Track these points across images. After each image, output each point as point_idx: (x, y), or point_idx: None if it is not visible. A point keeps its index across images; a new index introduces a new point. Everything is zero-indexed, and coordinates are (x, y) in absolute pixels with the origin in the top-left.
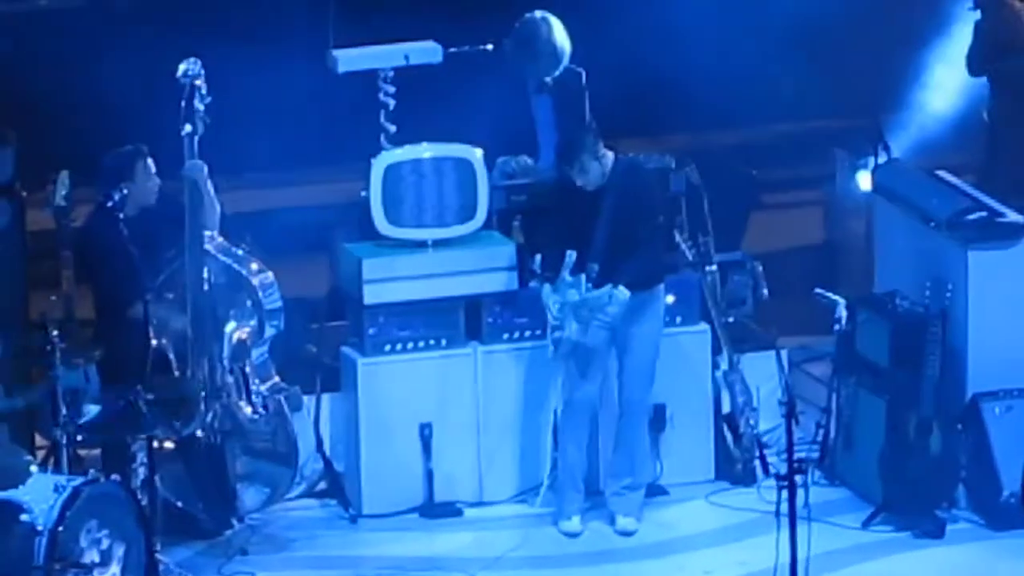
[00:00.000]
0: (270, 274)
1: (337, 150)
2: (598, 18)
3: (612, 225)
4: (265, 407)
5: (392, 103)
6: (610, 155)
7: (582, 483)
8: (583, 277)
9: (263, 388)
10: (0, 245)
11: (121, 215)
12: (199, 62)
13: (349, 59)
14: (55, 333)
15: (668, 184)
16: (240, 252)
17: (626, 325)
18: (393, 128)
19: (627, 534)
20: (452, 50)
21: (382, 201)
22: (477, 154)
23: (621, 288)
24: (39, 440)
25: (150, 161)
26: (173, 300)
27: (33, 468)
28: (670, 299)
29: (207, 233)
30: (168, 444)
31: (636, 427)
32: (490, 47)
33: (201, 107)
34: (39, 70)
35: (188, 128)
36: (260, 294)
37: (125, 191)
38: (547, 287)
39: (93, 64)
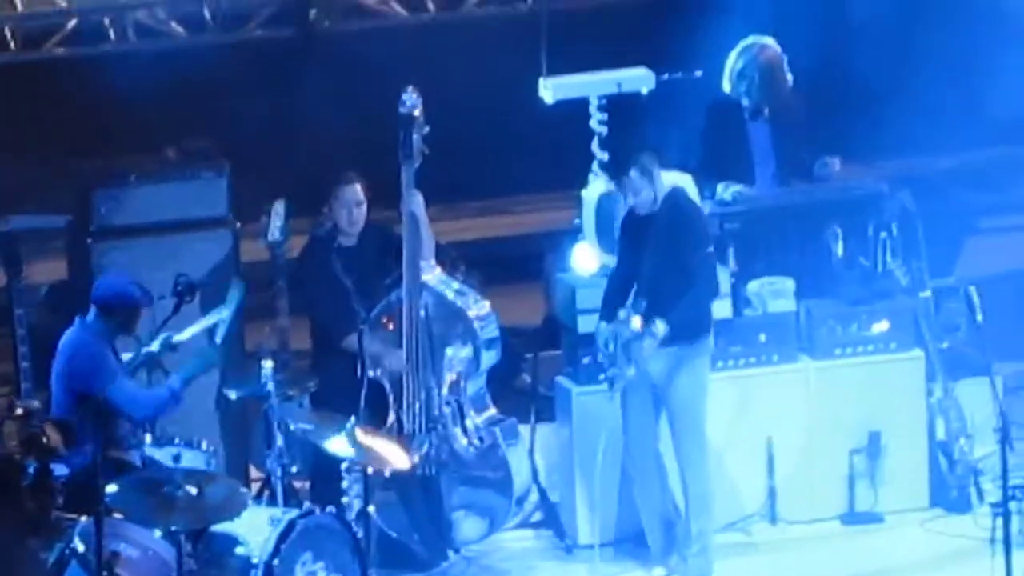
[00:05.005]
0: (487, 304)
1: (549, 178)
2: (812, 42)
3: (660, 257)
4: (481, 439)
5: (604, 131)
6: (667, 183)
7: (660, 531)
8: (631, 311)
9: (479, 420)
10: (216, 276)
11: (335, 244)
12: (417, 93)
13: (561, 87)
14: (269, 365)
15: (883, 209)
16: (456, 282)
17: (662, 380)
18: (605, 156)
19: None
20: (664, 77)
21: (596, 230)
22: (689, 181)
23: (658, 322)
24: (254, 472)
25: (354, 188)
26: (389, 331)
27: (248, 501)
28: (884, 325)
29: (424, 263)
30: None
31: (685, 488)
32: (699, 73)
33: (419, 137)
34: (253, 100)
35: (406, 159)
36: (476, 324)
37: (331, 222)
38: (602, 323)
39: (306, 95)
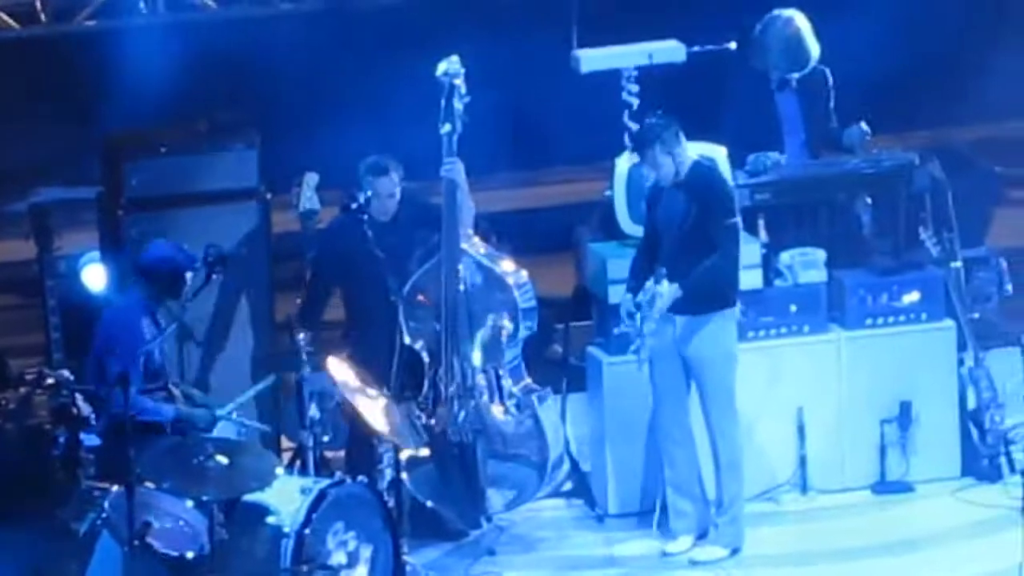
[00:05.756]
0: (524, 273)
1: (581, 150)
2: (840, 15)
3: (683, 226)
4: (518, 406)
5: (636, 102)
6: (689, 156)
7: (685, 502)
8: (653, 280)
9: (515, 389)
10: (246, 248)
11: (366, 216)
12: (459, 61)
13: (593, 59)
14: (301, 335)
15: (912, 180)
16: (493, 251)
17: (690, 350)
18: (637, 128)
19: (694, 562)
20: (695, 49)
21: (626, 200)
22: (721, 153)
23: (664, 283)
24: (285, 442)
25: (387, 179)
26: (425, 301)
27: (279, 470)
28: (915, 295)
29: (462, 231)
30: (423, 452)
31: (716, 455)
32: (733, 45)
33: (460, 106)
34: (283, 72)
35: (447, 127)
36: (516, 293)
37: (369, 193)
38: (627, 296)
39: (337, 65)
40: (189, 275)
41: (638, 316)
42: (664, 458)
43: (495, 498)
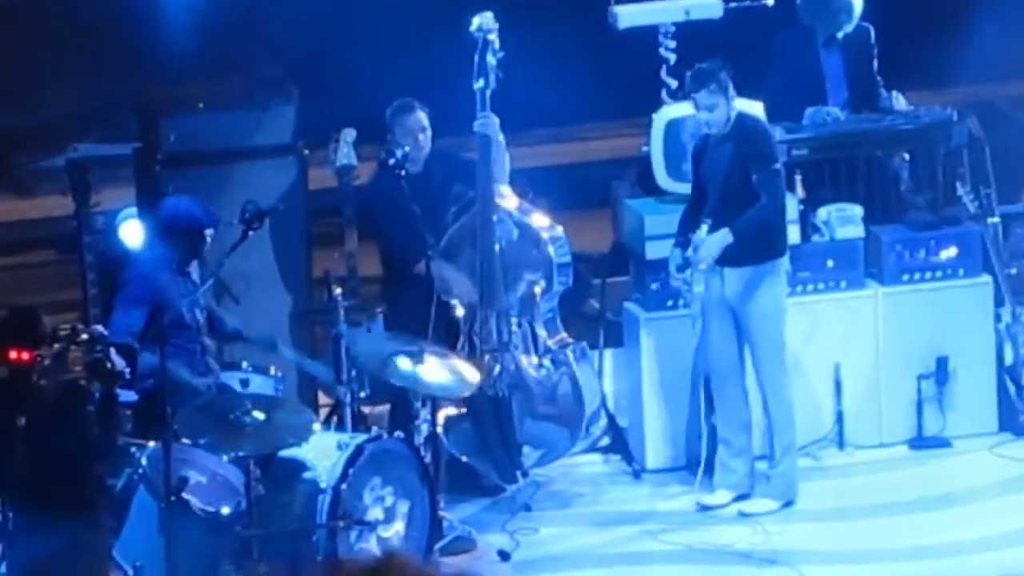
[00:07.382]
0: (559, 228)
1: (618, 105)
2: None
3: (727, 176)
4: (554, 361)
5: (673, 58)
6: (736, 107)
7: (735, 460)
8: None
9: (551, 343)
10: (283, 203)
11: (403, 172)
12: (493, 16)
13: (630, 15)
14: (338, 291)
15: (950, 136)
16: (528, 206)
17: (741, 303)
18: (674, 83)
19: (744, 514)
20: (732, 4)
21: (663, 156)
22: (758, 108)
23: (701, 230)
24: (322, 398)
25: (416, 115)
26: (460, 256)
27: (316, 426)
28: (952, 251)
29: (497, 186)
30: (452, 411)
31: (767, 407)
32: (770, 1)
33: (494, 61)
34: (321, 28)
35: (480, 83)
36: (550, 248)
37: (407, 148)
38: (676, 250)
39: (374, 21)
40: (209, 232)
41: (687, 271)
42: (718, 413)
43: (532, 455)
